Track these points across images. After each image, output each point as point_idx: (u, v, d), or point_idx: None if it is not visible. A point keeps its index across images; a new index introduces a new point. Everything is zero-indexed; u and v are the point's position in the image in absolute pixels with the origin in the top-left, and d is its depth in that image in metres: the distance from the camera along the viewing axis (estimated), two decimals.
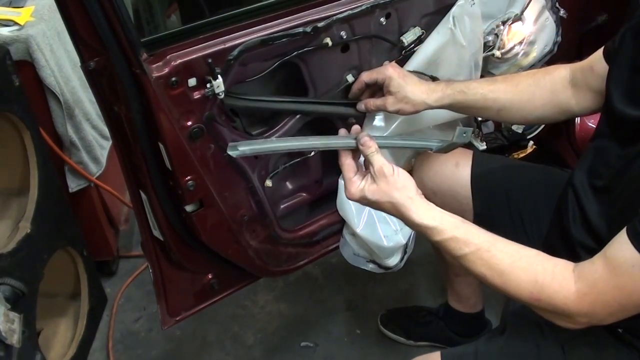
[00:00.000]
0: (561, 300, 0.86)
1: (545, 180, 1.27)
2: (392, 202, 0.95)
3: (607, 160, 0.99)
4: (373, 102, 1.23)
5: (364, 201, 0.99)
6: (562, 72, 1.17)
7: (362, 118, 1.32)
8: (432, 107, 1.21)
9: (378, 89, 1.24)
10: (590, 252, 0.89)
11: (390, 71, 1.19)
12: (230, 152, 1.02)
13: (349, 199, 1.00)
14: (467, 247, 0.91)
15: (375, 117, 1.32)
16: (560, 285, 0.87)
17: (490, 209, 1.29)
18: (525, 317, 1.12)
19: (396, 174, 0.96)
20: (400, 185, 0.95)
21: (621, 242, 0.82)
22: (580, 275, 0.86)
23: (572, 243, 1.05)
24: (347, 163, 1.01)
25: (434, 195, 1.37)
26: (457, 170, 1.32)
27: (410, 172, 1.46)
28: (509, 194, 1.27)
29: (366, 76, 1.22)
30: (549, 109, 1.18)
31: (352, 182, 0.99)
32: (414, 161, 1.46)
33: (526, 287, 0.88)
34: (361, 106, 1.25)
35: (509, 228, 1.26)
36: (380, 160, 0.96)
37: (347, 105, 1.29)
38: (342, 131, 1.10)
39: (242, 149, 1.01)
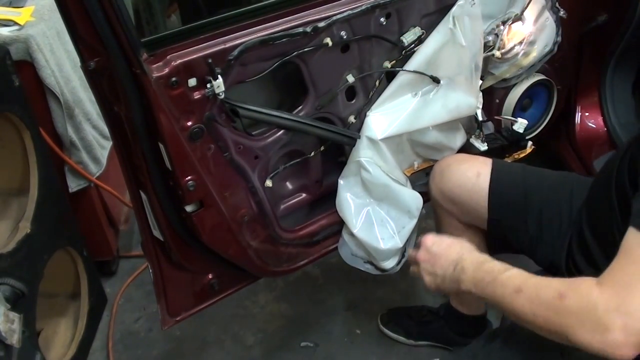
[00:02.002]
0: (586, 291, 0.82)
1: (567, 187, 1.26)
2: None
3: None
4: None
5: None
6: None
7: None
8: None
9: None
10: None
11: None
12: None
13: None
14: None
15: (374, 118, 1.32)
16: (584, 282, 0.84)
17: (505, 215, 1.28)
18: None
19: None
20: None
21: (630, 232, 0.82)
22: (601, 275, 0.84)
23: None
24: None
25: (452, 204, 1.37)
26: (479, 180, 1.31)
27: (414, 174, 1.47)
28: (528, 202, 1.25)
29: None
30: None
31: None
32: (416, 165, 1.46)
33: (554, 287, 0.85)
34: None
35: (523, 235, 1.25)
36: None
37: (343, 135, 1.31)
38: None
39: None
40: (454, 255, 1.04)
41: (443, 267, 1.05)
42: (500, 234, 1.30)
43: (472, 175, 1.32)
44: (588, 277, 0.85)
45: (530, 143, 1.59)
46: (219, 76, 1.03)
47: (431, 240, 1.10)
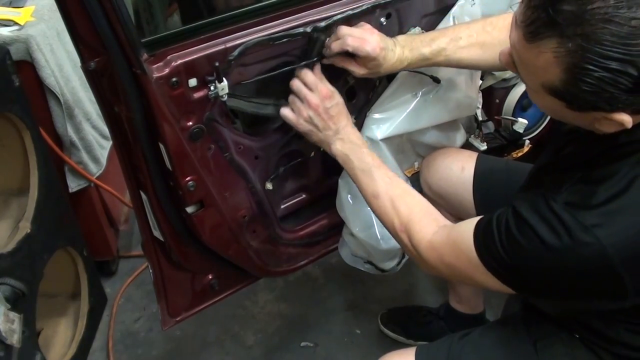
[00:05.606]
0: (417, 240, 1.01)
1: None
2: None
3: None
4: (341, 63, 1.15)
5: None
6: None
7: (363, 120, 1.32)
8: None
9: None
10: None
11: (374, 51, 1.10)
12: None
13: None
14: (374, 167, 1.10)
15: (374, 118, 1.32)
16: (423, 228, 1.01)
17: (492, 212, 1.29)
18: (506, 317, 1.12)
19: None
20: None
21: (470, 225, 0.93)
22: (441, 232, 0.99)
23: None
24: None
25: (440, 198, 1.37)
26: (463, 174, 1.32)
27: (415, 175, 1.47)
28: (510, 197, 1.26)
29: (351, 45, 1.11)
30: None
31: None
32: (417, 165, 1.46)
33: (400, 216, 1.04)
34: (326, 51, 1.15)
35: None
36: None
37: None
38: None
39: None
40: (341, 123, 1.15)
41: (327, 127, 1.14)
42: None
43: (456, 169, 1.33)
44: (428, 227, 1.01)
45: (527, 141, 1.59)
46: (224, 79, 1.03)
47: (328, 93, 1.14)
